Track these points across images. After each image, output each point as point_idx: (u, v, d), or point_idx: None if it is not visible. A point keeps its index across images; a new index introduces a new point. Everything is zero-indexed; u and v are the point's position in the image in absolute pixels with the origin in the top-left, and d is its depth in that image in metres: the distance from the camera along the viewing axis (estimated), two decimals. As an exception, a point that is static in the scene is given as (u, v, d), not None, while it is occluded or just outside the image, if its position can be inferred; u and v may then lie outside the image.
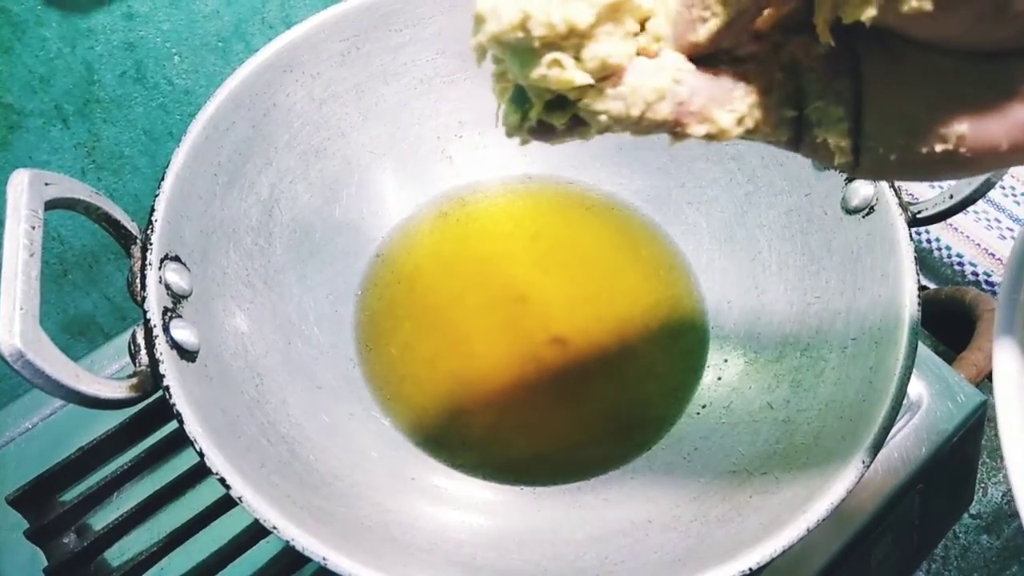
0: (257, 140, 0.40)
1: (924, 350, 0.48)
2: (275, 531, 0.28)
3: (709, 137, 0.19)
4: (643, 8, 0.18)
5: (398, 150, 0.47)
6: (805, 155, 0.20)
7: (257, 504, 0.28)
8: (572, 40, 0.17)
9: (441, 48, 0.45)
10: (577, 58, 0.18)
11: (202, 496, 0.42)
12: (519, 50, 0.18)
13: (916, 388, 0.46)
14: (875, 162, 0.19)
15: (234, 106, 0.38)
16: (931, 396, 0.46)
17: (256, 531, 0.40)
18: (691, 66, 0.19)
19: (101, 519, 0.42)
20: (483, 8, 0.18)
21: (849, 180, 0.38)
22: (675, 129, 0.19)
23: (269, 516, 0.28)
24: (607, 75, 0.18)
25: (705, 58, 0.19)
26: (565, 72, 0.18)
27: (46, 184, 0.31)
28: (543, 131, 0.20)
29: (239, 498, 0.28)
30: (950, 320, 0.57)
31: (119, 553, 0.42)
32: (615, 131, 0.19)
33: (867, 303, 0.36)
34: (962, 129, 0.17)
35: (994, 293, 0.59)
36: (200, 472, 0.42)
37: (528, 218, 0.48)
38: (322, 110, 0.43)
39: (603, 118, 0.18)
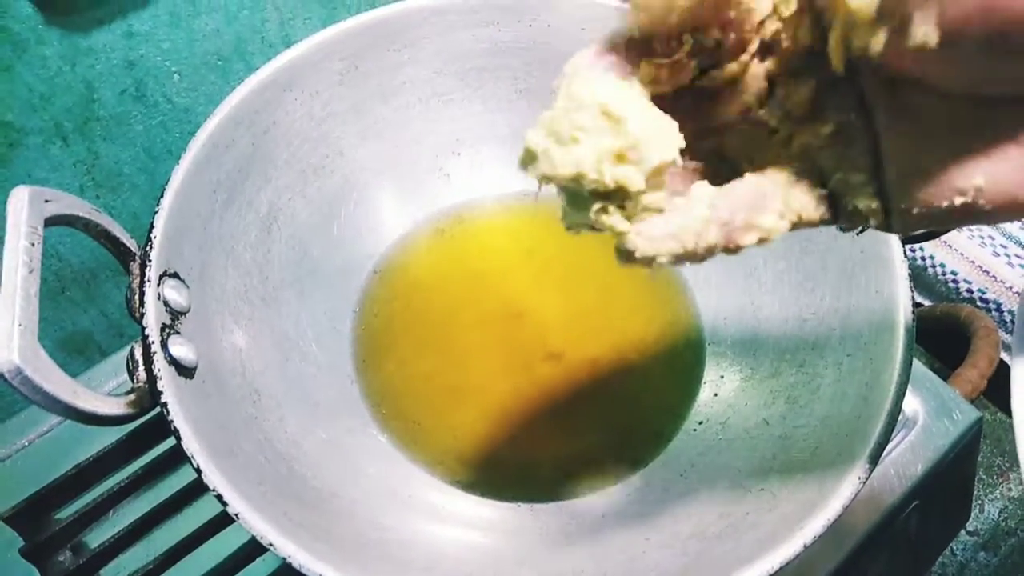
0: (256, 158, 0.40)
1: (919, 367, 0.48)
2: (272, 548, 0.28)
3: (761, 241, 0.20)
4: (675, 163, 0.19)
5: (396, 168, 0.47)
6: (848, 224, 0.21)
7: (254, 521, 0.28)
8: (619, 194, 0.19)
9: (438, 68, 0.46)
10: (622, 206, 0.19)
11: (199, 513, 0.42)
12: (568, 190, 0.20)
13: (912, 405, 0.46)
14: (902, 218, 0.19)
15: (234, 124, 0.39)
16: (927, 413, 0.46)
17: (253, 548, 0.40)
18: (715, 189, 0.20)
19: (97, 536, 0.42)
20: (533, 145, 0.19)
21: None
22: (728, 246, 0.20)
23: (266, 533, 0.28)
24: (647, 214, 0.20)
25: (728, 171, 0.20)
26: (610, 218, 0.19)
27: (46, 201, 0.31)
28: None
29: (236, 515, 0.28)
30: (945, 337, 0.58)
31: (115, 571, 0.41)
32: (679, 265, 0.20)
33: (862, 320, 0.36)
34: (978, 181, 0.18)
35: (988, 310, 0.59)
36: (197, 489, 0.42)
37: (525, 235, 0.48)
38: (321, 128, 0.44)
39: (663, 259, 0.20)
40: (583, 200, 0.19)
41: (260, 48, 0.54)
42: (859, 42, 0.17)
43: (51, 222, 0.31)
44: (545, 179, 0.19)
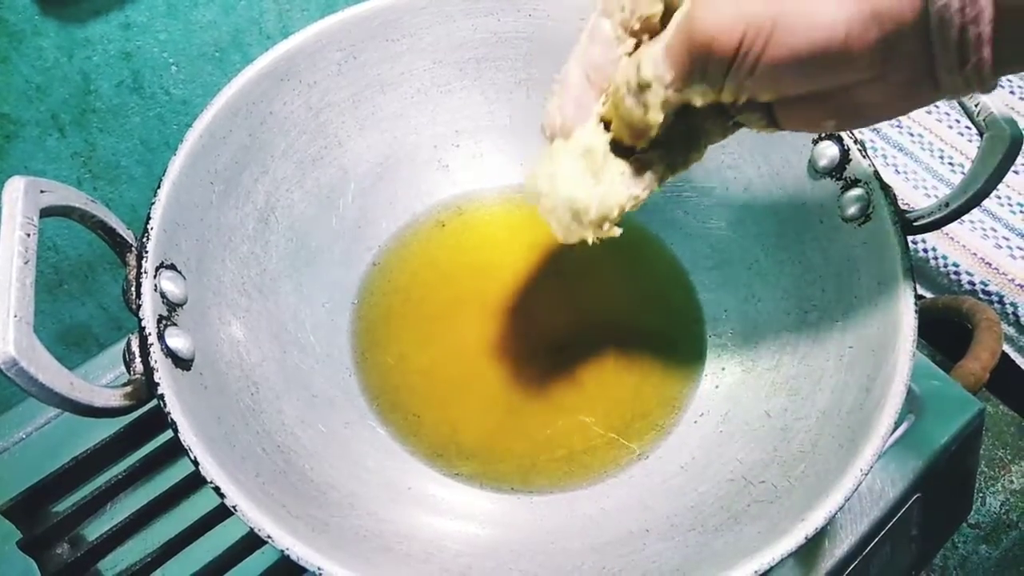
0: (254, 149, 0.40)
1: (921, 359, 0.48)
2: (270, 541, 0.28)
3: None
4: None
5: (395, 159, 0.47)
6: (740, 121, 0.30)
7: (252, 514, 0.28)
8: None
9: (438, 58, 0.45)
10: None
11: (197, 506, 0.42)
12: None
13: (913, 397, 0.46)
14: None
15: (231, 115, 0.38)
16: (929, 405, 0.46)
17: (251, 541, 0.40)
18: None
19: (95, 529, 0.42)
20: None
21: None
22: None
23: (264, 526, 0.28)
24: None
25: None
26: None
27: (42, 191, 0.31)
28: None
29: (234, 508, 0.28)
30: (947, 329, 0.57)
31: (113, 564, 0.41)
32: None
33: (864, 311, 0.36)
34: (830, 124, 0.28)
35: (991, 302, 0.59)
36: (195, 482, 0.42)
37: (525, 227, 0.48)
38: (319, 119, 0.43)
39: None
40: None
41: (258, 39, 0.54)
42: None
43: (47, 213, 0.31)
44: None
